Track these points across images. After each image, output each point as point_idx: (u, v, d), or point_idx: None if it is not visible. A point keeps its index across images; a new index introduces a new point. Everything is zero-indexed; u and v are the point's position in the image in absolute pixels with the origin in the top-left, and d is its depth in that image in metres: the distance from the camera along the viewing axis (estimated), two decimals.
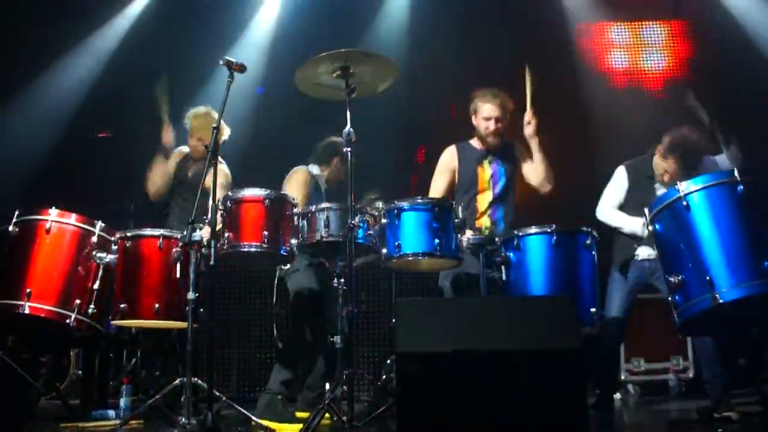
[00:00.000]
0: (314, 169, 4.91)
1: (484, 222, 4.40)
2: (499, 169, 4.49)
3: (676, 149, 4.26)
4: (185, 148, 5.07)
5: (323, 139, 5.06)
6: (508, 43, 7.31)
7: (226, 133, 4.91)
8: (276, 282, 4.73)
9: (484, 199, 4.45)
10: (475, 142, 4.59)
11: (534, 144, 4.46)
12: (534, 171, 4.51)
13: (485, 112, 4.45)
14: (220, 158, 4.71)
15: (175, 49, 7.67)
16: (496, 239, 4.00)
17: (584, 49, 7.50)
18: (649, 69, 7.54)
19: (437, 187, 4.57)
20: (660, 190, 4.31)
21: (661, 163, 4.33)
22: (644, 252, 4.30)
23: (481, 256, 3.93)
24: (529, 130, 4.43)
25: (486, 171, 4.49)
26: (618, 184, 4.50)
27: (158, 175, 5.01)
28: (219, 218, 3.84)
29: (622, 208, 4.46)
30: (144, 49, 7.67)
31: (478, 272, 3.93)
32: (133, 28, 7.63)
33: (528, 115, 4.41)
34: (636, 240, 4.31)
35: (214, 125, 3.75)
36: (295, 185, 4.69)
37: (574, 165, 6.09)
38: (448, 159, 4.60)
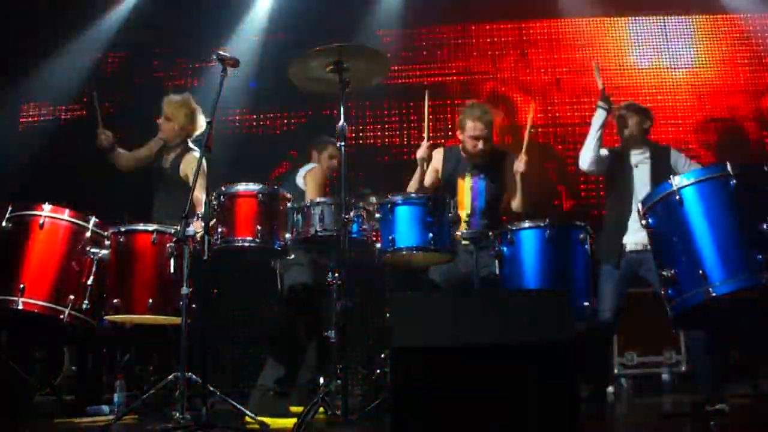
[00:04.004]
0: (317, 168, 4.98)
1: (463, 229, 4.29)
2: (479, 184, 4.47)
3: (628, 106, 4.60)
4: (160, 140, 5.07)
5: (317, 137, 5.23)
6: (504, 36, 7.33)
7: (201, 123, 4.91)
8: (278, 275, 4.75)
9: (462, 209, 4.41)
10: (464, 152, 4.59)
11: (519, 179, 4.47)
12: (514, 200, 4.55)
13: (472, 131, 4.45)
14: (192, 145, 4.77)
15: (169, 44, 7.67)
16: (490, 234, 4.00)
17: (579, 39, 7.51)
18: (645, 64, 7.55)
19: (415, 177, 4.53)
20: (634, 158, 4.47)
21: (621, 123, 4.55)
22: (631, 243, 4.32)
23: (474, 255, 3.93)
24: (519, 168, 4.44)
25: (466, 183, 4.48)
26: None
27: (124, 161, 5.11)
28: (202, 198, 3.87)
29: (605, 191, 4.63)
30: (138, 45, 7.65)
31: (470, 271, 3.94)
32: (126, 22, 7.60)
33: (521, 159, 4.42)
34: (621, 229, 4.35)
35: (209, 120, 3.74)
36: (315, 186, 4.74)
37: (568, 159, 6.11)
38: (435, 159, 4.61)
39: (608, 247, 4.36)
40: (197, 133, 4.86)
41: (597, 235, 4.16)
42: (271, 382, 4.35)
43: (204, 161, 4.68)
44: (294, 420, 3.61)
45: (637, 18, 7.44)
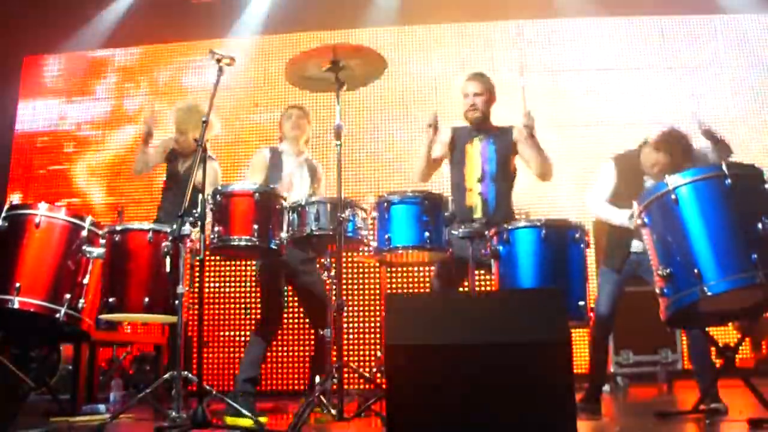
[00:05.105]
0: (281, 146, 4.86)
1: (474, 199, 4.32)
2: (489, 148, 4.44)
3: (669, 142, 4.30)
4: (169, 142, 5.06)
5: None
6: (501, 32, 7.35)
7: (216, 128, 4.87)
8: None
9: (471, 175, 4.40)
10: (466, 119, 4.60)
11: (529, 138, 4.33)
12: (534, 166, 4.43)
13: (466, 89, 4.51)
14: (211, 155, 4.74)
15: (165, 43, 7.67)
16: (486, 233, 4.00)
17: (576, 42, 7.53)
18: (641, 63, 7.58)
19: (421, 156, 4.50)
20: (648, 182, 4.33)
21: (652, 155, 4.35)
22: (633, 245, 4.31)
23: (471, 247, 3.92)
24: (528, 122, 4.29)
25: (475, 147, 4.45)
26: (605, 177, 4.51)
27: (149, 161, 5.12)
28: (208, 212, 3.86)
29: (612, 200, 4.48)
30: (135, 43, 7.66)
31: (467, 256, 3.92)
32: (122, 20, 7.60)
33: (525, 114, 4.28)
34: (631, 234, 4.32)
35: (204, 118, 3.74)
36: (252, 170, 4.74)
37: (565, 157, 6.12)
38: (444, 134, 4.57)
39: (616, 250, 4.34)
40: (213, 133, 4.83)
41: (600, 237, 4.11)
42: (241, 384, 4.28)
43: (219, 170, 4.76)
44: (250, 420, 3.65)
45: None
